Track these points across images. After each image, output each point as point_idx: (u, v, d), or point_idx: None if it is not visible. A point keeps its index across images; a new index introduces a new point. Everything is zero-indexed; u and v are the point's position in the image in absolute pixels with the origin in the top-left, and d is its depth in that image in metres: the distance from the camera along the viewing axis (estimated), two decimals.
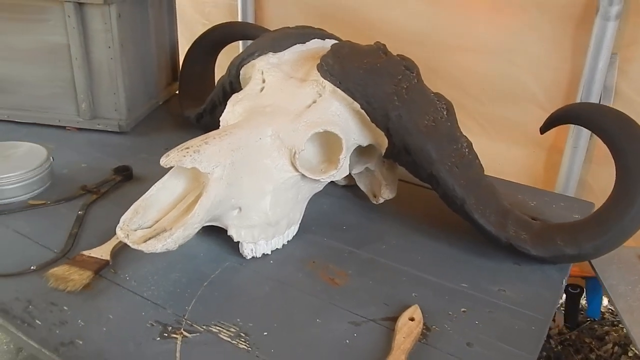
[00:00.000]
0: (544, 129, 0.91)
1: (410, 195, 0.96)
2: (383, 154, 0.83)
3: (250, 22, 1.65)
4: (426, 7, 1.41)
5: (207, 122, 1.09)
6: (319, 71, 0.79)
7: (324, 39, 0.91)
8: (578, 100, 1.26)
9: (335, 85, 0.78)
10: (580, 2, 1.22)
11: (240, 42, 1.50)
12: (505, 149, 1.40)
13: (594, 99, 1.24)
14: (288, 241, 0.83)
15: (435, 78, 1.37)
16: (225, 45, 1.30)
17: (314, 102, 0.80)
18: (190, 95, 1.26)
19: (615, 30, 1.19)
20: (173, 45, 1.40)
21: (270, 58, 0.87)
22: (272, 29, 1.05)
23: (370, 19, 1.49)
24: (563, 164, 1.32)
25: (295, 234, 0.84)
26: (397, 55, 0.85)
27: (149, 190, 0.72)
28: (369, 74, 0.78)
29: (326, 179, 0.80)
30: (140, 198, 0.72)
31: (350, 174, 0.89)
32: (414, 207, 0.94)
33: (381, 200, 0.92)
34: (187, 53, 1.31)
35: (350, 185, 0.97)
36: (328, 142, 0.80)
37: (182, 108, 1.24)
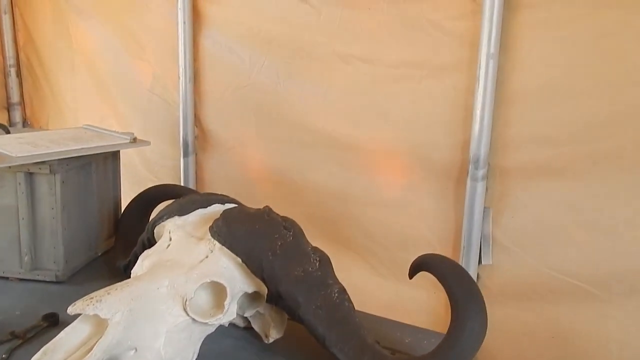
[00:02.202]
0: (410, 275, 1.09)
1: (300, 333, 1.11)
2: (265, 299, 1.00)
3: (192, 180, 1.87)
4: (343, 171, 1.66)
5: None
6: (209, 232, 0.98)
7: (224, 204, 1.12)
8: (462, 247, 1.46)
9: (222, 243, 0.97)
10: (456, 165, 1.48)
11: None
12: (409, 290, 1.57)
13: (475, 247, 1.45)
14: None
15: (351, 228, 1.59)
16: (159, 204, 1.49)
17: (206, 257, 0.98)
18: (124, 248, 1.43)
19: (484, 188, 1.42)
20: (116, 202, 1.59)
21: (177, 220, 1.06)
22: (207, 190, 1.26)
23: (297, 181, 1.73)
24: None
25: None
26: (282, 217, 1.05)
27: (59, 334, 0.87)
28: (249, 234, 0.97)
29: (214, 322, 0.95)
30: (51, 341, 0.86)
31: (245, 316, 1.04)
32: (302, 344, 1.09)
33: (271, 340, 1.06)
34: (124, 210, 1.51)
35: (249, 327, 1.12)
36: (216, 290, 0.96)
37: (116, 259, 1.40)
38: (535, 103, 1.39)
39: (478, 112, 1.42)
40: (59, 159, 1.30)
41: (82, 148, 1.39)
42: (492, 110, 1.41)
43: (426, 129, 1.52)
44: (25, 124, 2.40)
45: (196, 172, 1.93)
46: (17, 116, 2.37)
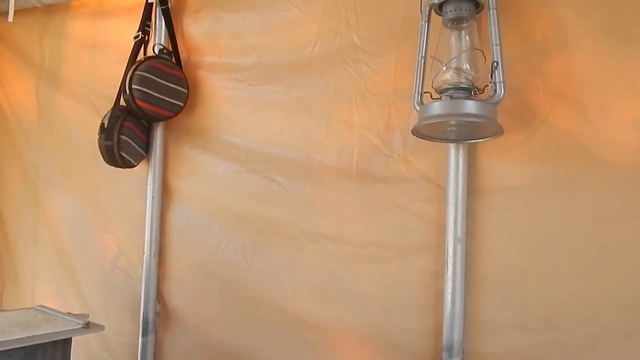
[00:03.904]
0: None
1: None
2: None
3: None
4: (311, 354, 1.57)
5: None
6: None
7: None
8: None
9: None
10: (429, 352, 1.39)
11: None
12: None
13: None
14: None
15: None
16: None
17: None
18: None
19: None
20: None
21: None
22: None
23: None
24: None
25: None
26: None
27: None
28: None
29: None
30: None
31: None
32: None
33: None
34: None
35: None
36: None
37: None
38: (507, 286, 1.36)
39: (449, 296, 1.37)
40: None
41: (28, 337, 1.29)
42: (463, 294, 1.37)
43: (396, 313, 1.46)
44: None
45: (155, 352, 1.81)
46: None
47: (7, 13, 2.05)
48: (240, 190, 1.73)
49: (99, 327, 1.43)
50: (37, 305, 1.55)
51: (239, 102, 1.76)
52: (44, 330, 1.34)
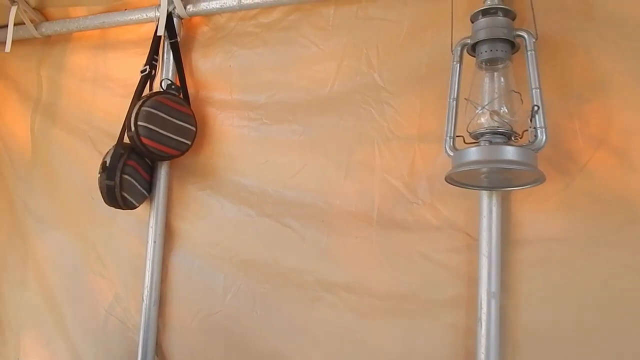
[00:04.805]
0: None
1: None
2: None
3: None
4: None
5: None
6: None
7: None
8: None
9: None
10: None
11: None
12: None
13: None
14: None
15: None
16: None
17: None
18: None
19: None
20: None
21: None
22: None
23: None
24: None
25: None
26: None
27: None
28: None
29: None
30: None
31: None
32: None
33: None
34: None
35: None
36: None
37: None
38: (546, 346, 1.25)
39: (482, 356, 1.26)
40: None
41: None
42: (498, 355, 1.26)
43: None
44: None
45: None
46: None
47: (1, 44, 1.95)
48: (251, 235, 1.62)
49: None
50: None
51: (250, 141, 1.66)
52: None
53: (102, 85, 1.94)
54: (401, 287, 1.41)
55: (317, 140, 1.57)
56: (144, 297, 1.68)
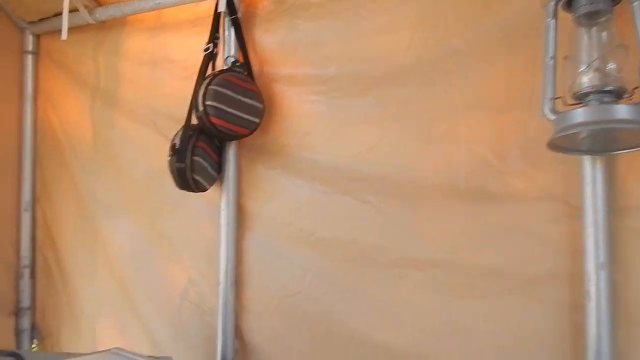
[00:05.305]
0: None
1: None
2: None
3: None
4: None
5: None
6: None
7: None
8: None
9: None
10: None
11: None
12: None
13: None
14: None
15: None
16: None
17: None
18: None
19: None
20: None
21: None
22: None
23: None
24: None
25: None
26: None
27: None
28: None
29: None
30: None
31: None
32: None
33: None
34: None
35: None
36: None
37: None
38: None
39: (593, 332, 1.18)
40: None
41: None
42: (610, 331, 1.18)
43: (523, 356, 1.27)
44: (35, 331, 2.11)
45: None
46: (25, 322, 2.09)
47: (57, 32, 1.92)
48: (326, 213, 1.56)
49: None
50: (114, 348, 1.38)
51: (320, 116, 1.60)
52: None
53: (161, 68, 1.89)
54: (495, 262, 1.33)
55: (393, 112, 1.50)
56: (220, 280, 1.65)
